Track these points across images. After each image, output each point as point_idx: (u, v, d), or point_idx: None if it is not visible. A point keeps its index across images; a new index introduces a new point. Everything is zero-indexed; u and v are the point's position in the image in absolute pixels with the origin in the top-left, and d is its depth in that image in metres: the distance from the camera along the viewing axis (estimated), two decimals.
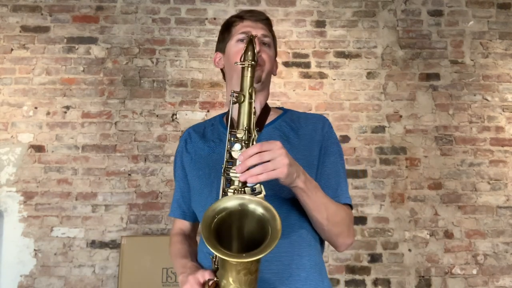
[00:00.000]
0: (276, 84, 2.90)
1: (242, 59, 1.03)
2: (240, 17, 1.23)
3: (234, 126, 1.02)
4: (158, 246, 2.57)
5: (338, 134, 2.87)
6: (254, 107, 1.01)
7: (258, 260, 0.84)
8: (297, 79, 2.94)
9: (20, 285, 2.64)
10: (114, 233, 2.72)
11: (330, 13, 3.04)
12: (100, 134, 2.84)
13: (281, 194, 1.05)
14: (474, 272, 2.74)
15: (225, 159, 0.99)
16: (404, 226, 2.79)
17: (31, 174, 2.76)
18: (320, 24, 3.03)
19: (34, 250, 2.68)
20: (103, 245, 2.71)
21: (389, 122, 2.92)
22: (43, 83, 2.87)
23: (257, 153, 0.89)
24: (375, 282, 2.73)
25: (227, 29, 1.25)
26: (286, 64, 2.95)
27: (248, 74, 1.02)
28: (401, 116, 2.93)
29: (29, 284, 2.64)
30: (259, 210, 0.87)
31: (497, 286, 2.73)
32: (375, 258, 2.75)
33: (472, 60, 3.00)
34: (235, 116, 1.05)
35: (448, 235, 2.78)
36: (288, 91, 2.92)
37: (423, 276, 2.73)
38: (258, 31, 1.18)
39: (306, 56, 2.97)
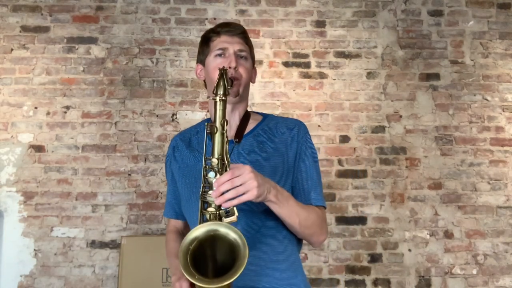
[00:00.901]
0: (276, 84, 2.90)
1: (214, 92, 1.12)
2: (217, 32, 1.31)
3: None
4: (158, 246, 2.56)
5: (338, 134, 2.90)
6: (227, 137, 1.11)
7: (229, 284, 0.96)
8: (297, 79, 2.94)
9: (20, 285, 2.64)
10: (114, 233, 2.72)
11: (330, 13, 3.04)
12: (100, 134, 2.84)
13: (255, 207, 1.14)
14: (474, 272, 2.74)
15: (202, 184, 1.09)
16: (404, 226, 2.79)
17: (31, 174, 2.76)
18: (320, 24, 3.03)
19: (34, 250, 2.68)
20: (103, 245, 2.71)
21: (389, 122, 2.92)
22: (43, 83, 2.87)
23: (229, 180, 1.00)
24: (375, 282, 2.73)
25: (205, 43, 1.33)
26: (286, 64, 2.95)
27: (220, 107, 1.11)
28: (401, 116, 2.93)
29: (29, 284, 2.64)
30: (231, 235, 0.98)
31: (497, 286, 2.73)
32: (375, 258, 2.75)
33: (472, 60, 3.00)
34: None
35: (448, 235, 2.78)
36: (288, 91, 2.92)
37: (423, 276, 2.73)
38: (234, 46, 1.28)
39: (306, 56, 2.97)
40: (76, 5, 2.97)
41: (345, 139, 2.89)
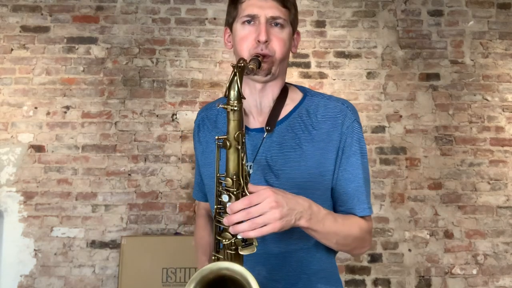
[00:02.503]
0: None
1: (225, 95, 0.91)
2: None
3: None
4: (158, 246, 2.57)
5: None
6: (245, 152, 0.93)
7: None
8: (297, 79, 2.94)
9: (20, 285, 2.64)
10: (114, 233, 2.72)
11: (330, 13, 3.04)
12: (100, 134, 2.84)
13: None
14: (474, 272, 2.74)
15: (215, 205, 0.94)
16: (404, 226, 2.79)
17: (31, 174, 2.76)
18: (320, 24, 3.03)
19: (34, 250, 2.68)
20: (103, 245, 2.71)
21: (389, 122, 2.92)
22: (43, 83, 2.87)
23: (244, 209, 0.85)
24: (375, 282, 2.73)
25: (233, 3, 1.10)
26: None
27: (233, 117, 0.90)
28: (401, 116, 2.93)
29: (29, 284, 2.64)
30: (245, 280, 0.85)
31: (497, 286, 2.73)
32: (375, 258, 2.75)
33: (472, 60, 3.00)
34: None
35: (448, 235, 2.78)
36: None
37: (423, 276, 2.73)
38: (267, 11, 1.02)
39: (306, 56, 2.97)
40: (76, 5, 2.97)
41: None
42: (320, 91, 2.93)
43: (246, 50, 1.03)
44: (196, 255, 1.22)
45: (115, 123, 2.86)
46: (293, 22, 1.10)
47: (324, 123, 1.06)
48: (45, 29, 2.94)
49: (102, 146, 2.83)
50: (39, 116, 2.83)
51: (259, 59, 0.98)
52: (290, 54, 1.13)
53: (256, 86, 1.08)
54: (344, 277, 2.72)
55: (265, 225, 0.85)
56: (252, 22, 1.04)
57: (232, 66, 0.92)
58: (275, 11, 1.03)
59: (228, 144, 0.90)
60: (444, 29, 3.04)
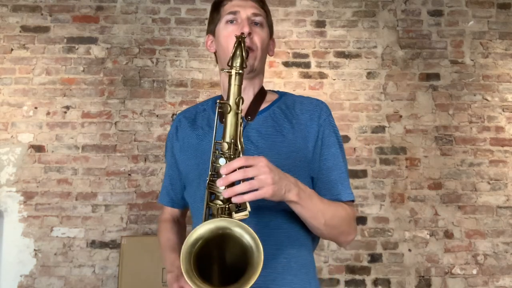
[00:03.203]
0: (276, 84, 2.89)
1: (229, 64, 0.96)
2: None
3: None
4: (158, 246, 2.55)
5: None
6: (242, 118, 0.96)
7: None
8: (297, 79, 2.94)
9: (20, 285, 2.64)
10: (114, 233, 2.72)
11: (330, 13, 3.04)
12: (100, 134, 2.84)
13: (263, 200, 1.00)
14: (474, 272, 2.74)
15: (209, 172, 0.94)
16: (404, 226, 2.79)
17: (31, 174, 2.76)
18: (320, 24, 3.03)
19: (34, 250, 2.68)
20: (103, 245, 2.71)
21: (389, 122, 2.92)
22: (43, 83, 2.87)
23: (241, 167, 0.85)
24: (375, 282, 2.73)
25: (216, 9, 1.17)
26: (286, 64, 2.95)
27: (235, 82, 0.95)
28: (401, 116, 2.93)
29: (29, 284, 2.64)
30: (244, 237, 0.84)
31: (497, 286, 2.73)
32: (375, 258, 2.75)
33: (472, 60, 3.00)
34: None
35: (448, 235, 2.78)
36: (288, 91, 2.88)
37: (423, 276, 2.73)
38: (247, 10, 1.11)
39: (306, 56, 2.97)
40: (76, 5, 2.97)
41: (345, 139, 2.88)
42: (320, 91, 2.93)
43: (232, 46, 1.06)
44: (164, 255, 1.22)
45: (115, 123, 2.86)
46: (270, 26, 1.19)
47: (302, 115, 1.12)
48: (45, 29, 2.94)
49: (102, 146, 2.83)
50: (39, 116, 2.83)
51: (247, 49, 1.05)
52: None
53: None
54: (344, 277, 2.73)
55: (258, 189, 0.86)
56: (234, 22, 1.12)
57: (235, 36, 0.99)
58: (255, 10, 1.12)
59: (228, 108, 0.93)
60: (444, 29, 3.04)
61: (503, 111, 2.95)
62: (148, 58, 2.94)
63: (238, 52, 0.96)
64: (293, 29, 3.00)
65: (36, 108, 2.84)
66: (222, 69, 0.99)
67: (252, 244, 0.83)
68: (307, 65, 2.96)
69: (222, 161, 0.91)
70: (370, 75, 2.98)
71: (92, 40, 2.94)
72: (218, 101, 0.97)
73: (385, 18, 3.05)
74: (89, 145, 2.82)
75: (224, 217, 0.88)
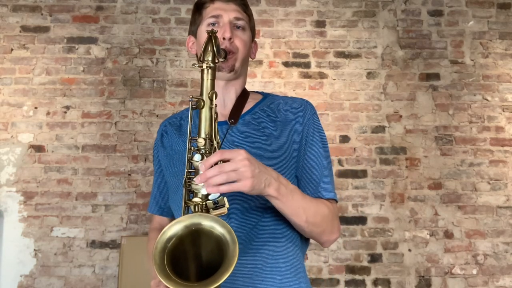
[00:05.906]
0: (276, 84, 2.90)
1: (201, 59, 0.95)
2: None
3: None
4: None
5: (338, 134, 2.89)
6: (216, 113, 0.94)
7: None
8: (297, 79, 2.94)
9: (20, 285, 2.64)
10: (114, 233, 2.72)
11: (330, 13, 3.04)
12: (100, 134, 2.84)
13: (249, 200, 0.99)
14: (474, 272, 2.74)
15: (186, 169, 0.92)
16: (404, 226, 2.79)
17: (31, 174, 2.76)
18: (320, 24, 3.03)
19: (34, 250, 2.68)
20: (103, 245, 2.71)
21: (389, 122, 2.92)
22: (43, 83, 2.87)
23: (217, 162, 0.84)
24: (375, 282, 2.73)
25: (198, 10, 1.16)
26: (286, 64, 2.95)
27: (208, 76, 0.94)
28: (401, 116, 2.93)
29: (29, 284, 2.64)
30: (217, 229, 0.82)
31: (497, 286, 2.73)
32: (375, 258, 2.75)
33: (472, 60, 3.00)
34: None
35: (448, 235, 2.78)
36: (288, 91, 2.92)
37: (423, 276, 2.73)
38: (230, 13, 1.11)
39: (306, 56, 2.97)
40: (76, 5, 2.97)
41: (345, 139, 2.89)
42: (320, 91, 2.93)
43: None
44: (150, 263, 1.19)
45: (115, 123, 2.86)
46: (253, 29, 1.19)
47: (287, 115, 1.12)
48: (45, 29, 2.94)
49: (102, 146, 2.83)
50: (39, 116, 2.83)
51: (225, 51, 1.05)
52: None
53: (220, 83, 1.11)
54: (344, 277, 2.73)
55: (235, 182, 0.84)
56: (216, 24, 1.11)
57: (207, 32, 0.98)
58: (237, 14, 1.12)
59: (202, 103, 0.92)
60: (444, 29, 3.04)
61: (503, 111, 2.95)
62: (148, 58, 2.94)
63: (209, 47, 0.95)
64: (293, 29, 3.00)
65: (36, 108, 2.84)
66: (193, 64, 0.98)
67: (227, 237, 0.81)
68: (307, 65, 2.96)
69: (197, 157, 0.90)
70: (370, 75, 2.98)
71: (92, 40, 2.94)
72: (190, 96, 0.95)
73: (385, 18, 3.05)
74: (89, 145, 2.82)
75: (201, 213, 0.87)
